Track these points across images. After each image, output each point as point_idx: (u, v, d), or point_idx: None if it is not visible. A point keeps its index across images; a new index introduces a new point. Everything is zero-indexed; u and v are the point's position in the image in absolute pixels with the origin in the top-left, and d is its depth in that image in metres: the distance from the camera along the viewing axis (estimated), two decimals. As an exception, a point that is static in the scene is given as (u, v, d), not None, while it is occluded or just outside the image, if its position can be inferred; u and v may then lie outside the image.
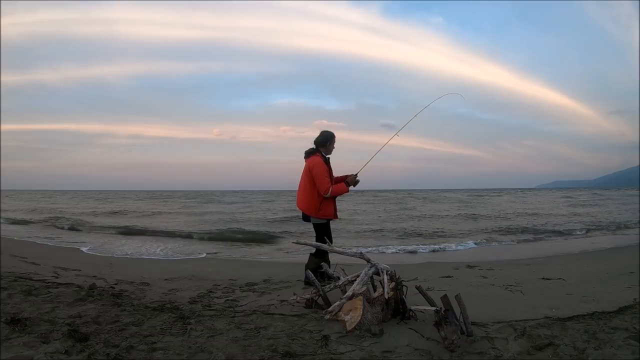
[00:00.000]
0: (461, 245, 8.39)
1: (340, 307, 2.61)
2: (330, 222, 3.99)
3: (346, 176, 3.91)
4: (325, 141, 3.90)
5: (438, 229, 11.82)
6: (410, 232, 11.18)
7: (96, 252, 7.31)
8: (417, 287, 2.79)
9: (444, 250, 7.96)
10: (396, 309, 2.66)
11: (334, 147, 3.96)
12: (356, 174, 3.91)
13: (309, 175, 3.82)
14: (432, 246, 8.22)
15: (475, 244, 8.68)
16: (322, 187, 3.74)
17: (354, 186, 3.91)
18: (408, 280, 3.18)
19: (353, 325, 2.41)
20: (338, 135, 3.96)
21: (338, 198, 3.98)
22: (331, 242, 3.68)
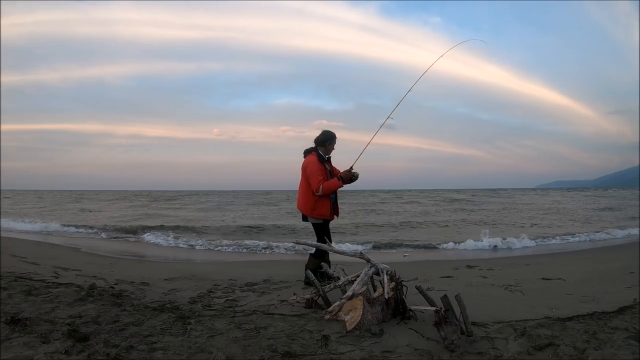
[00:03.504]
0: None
1: (340, 307, 2.61)
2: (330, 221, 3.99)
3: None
4: (325, 141, 3.90)
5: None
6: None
7: (96, 252, 7.31)
8: (417, 287, 2.78)
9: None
10: (396, 309, 2.65)
11: (334, 148, 3.95)
12: (351, 168, 3.87)
13: (305, 175, 3.83)
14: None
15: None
16: (314, 185, 3.73)
17: (352, 180, 3.86)
18: (408, 280, 3.18)
19: (353, 325, 2.40)
20: (338, 135, 3.96)
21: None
22: (330, 242, 3.68)
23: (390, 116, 4.00)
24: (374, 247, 8.50)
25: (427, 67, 4.12)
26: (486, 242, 8.53)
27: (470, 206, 23.18)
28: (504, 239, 8.65)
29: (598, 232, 10.39)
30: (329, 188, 3.75)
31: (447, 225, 13.10)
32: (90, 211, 19.96)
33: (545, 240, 9.13)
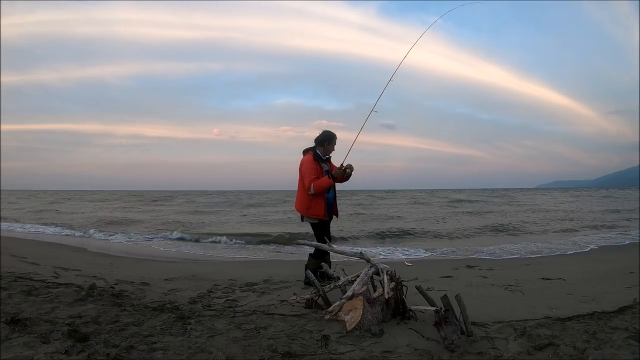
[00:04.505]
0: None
1: (340, 307, 2.61)
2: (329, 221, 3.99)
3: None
4: (323, 140, 3.90)
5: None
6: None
7: (96, 252, 7.32)
8: (417, 287, 2.78)
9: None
10: (396, 309, 2.65)
11: (334, 149, 3.95)
12: (341, 165, 3.85)
13: (301, 174, 3.86)
14: None
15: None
16: (306, 184, 3.76)
17: (346, 176, 3.84)
18: (408, 280, 3.18)
19: (353, 325, 2.40)
20: (338, 135, 3.95)
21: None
22: (330, 243, 3.68)
23: (374, 109, 3.97)
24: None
25: (417, 38, 4.13)
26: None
27: (500, 207, 21.39)
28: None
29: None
30: (320, 186, 3.74)
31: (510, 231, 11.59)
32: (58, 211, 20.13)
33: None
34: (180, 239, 9.87)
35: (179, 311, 2.85)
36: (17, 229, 11.98)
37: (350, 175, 3.87)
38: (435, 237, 10.63)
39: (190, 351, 2.15)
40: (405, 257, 7.27)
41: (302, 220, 3.95)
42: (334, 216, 4.03)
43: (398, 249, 8.36)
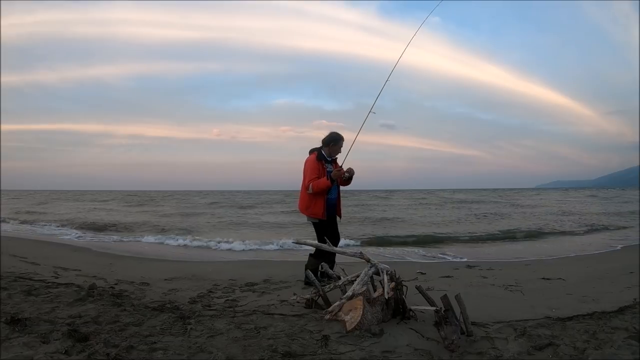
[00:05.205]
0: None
1: (340, 307, 2.61)
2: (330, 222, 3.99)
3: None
4: (329, 141, 3.90)
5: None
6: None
7: (95, 251, 7.32)
8: (417, 287, 2.79)
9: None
10: (396, 309, 2.66)
11: (340, 151, 3.93)
12: (340, 167, 3.87)
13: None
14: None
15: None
16: (306, 183, 3.80)
17: (345, 178, 3.86)
18: (408, 280, 3.19)
19: (353, 325, 2.40)
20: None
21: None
22: (337, 242, 3.69)
23: (372, 110, 3.99)
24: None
25: (410, 39, 4.21)
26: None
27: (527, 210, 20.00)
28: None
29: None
30: (318, 186, 3.76)
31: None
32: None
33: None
34: (180, 239, 9.89)
35: (179, 311, 2.85)
36: (8, 229, 12.01)
37: (351, 178, 3.89)
38: (436, 237, 10.62)
39: (190, 351, 2.15)
40: (408, 259, 7.26)
41: (307, 219, 3.98)
42: (337, 217, 4.03)
43: (396, 250, 8.35)
